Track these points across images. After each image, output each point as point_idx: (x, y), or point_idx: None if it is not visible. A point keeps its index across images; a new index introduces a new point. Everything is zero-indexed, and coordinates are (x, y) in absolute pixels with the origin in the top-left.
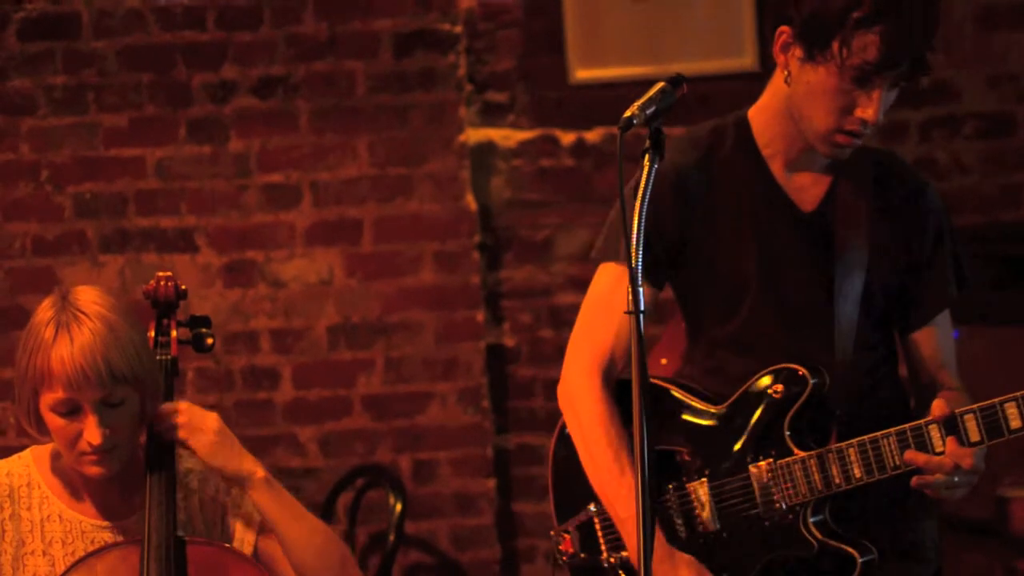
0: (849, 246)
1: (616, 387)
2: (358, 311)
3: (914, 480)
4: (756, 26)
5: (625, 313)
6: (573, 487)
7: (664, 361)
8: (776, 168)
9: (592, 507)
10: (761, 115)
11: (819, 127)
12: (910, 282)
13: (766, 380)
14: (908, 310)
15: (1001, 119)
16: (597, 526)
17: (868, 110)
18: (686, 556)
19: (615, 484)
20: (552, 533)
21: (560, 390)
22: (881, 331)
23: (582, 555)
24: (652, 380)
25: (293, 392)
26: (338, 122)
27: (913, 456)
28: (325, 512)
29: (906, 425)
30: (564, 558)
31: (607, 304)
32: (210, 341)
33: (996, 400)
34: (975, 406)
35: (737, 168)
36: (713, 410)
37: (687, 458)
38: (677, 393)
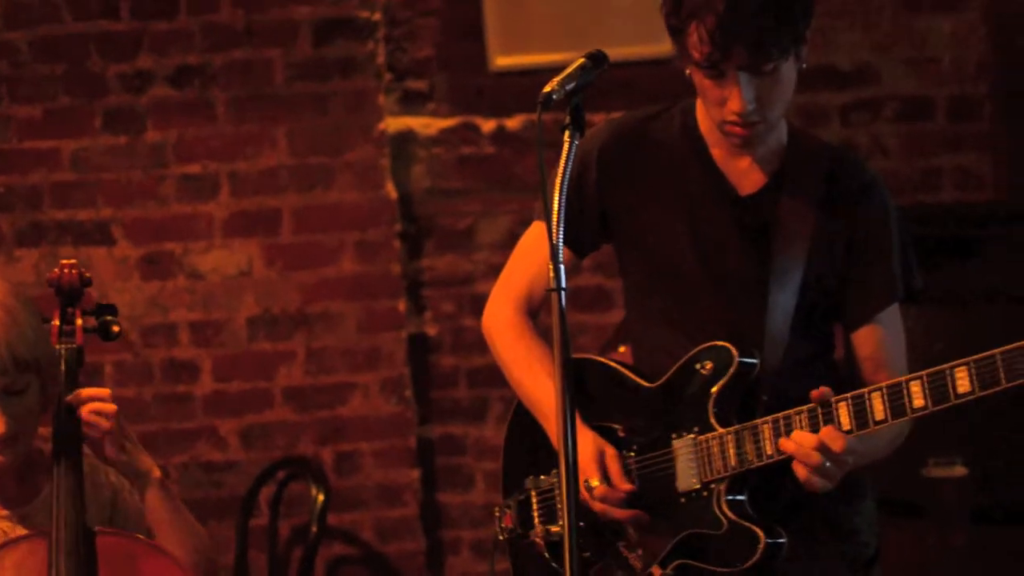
0: (790, 233)
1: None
2: (278, 302)
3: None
4: None
5: (547, 291)
6: (520, 463)
7: (622, 349)
8: (717, 153)
9: (528, 482)
10: (702, 102)
11: (712, 120)
12: (852, 278)
13: (697, 357)
14: (849, 306)
15: (921, 102)
16: (534, 502)
17: (732, 102)
18: (590, 434)
19: (538, 388)
20: (496, 509)
21: (482, 323)
22: (819, 321)
23: (519, 531)
24: (590, 357)
25: (213, 385)
26: (256, 111)
27: (785, 443)
28: (247, 506)
29: (816, 405)
30: (503, 536)
31: (528, 252)
32: (116, 329)
33: (865, 390)
34: (848, 395)
35: (677, 150)
36: (647, 386)
37: (622, 434)
38: (613, 371)
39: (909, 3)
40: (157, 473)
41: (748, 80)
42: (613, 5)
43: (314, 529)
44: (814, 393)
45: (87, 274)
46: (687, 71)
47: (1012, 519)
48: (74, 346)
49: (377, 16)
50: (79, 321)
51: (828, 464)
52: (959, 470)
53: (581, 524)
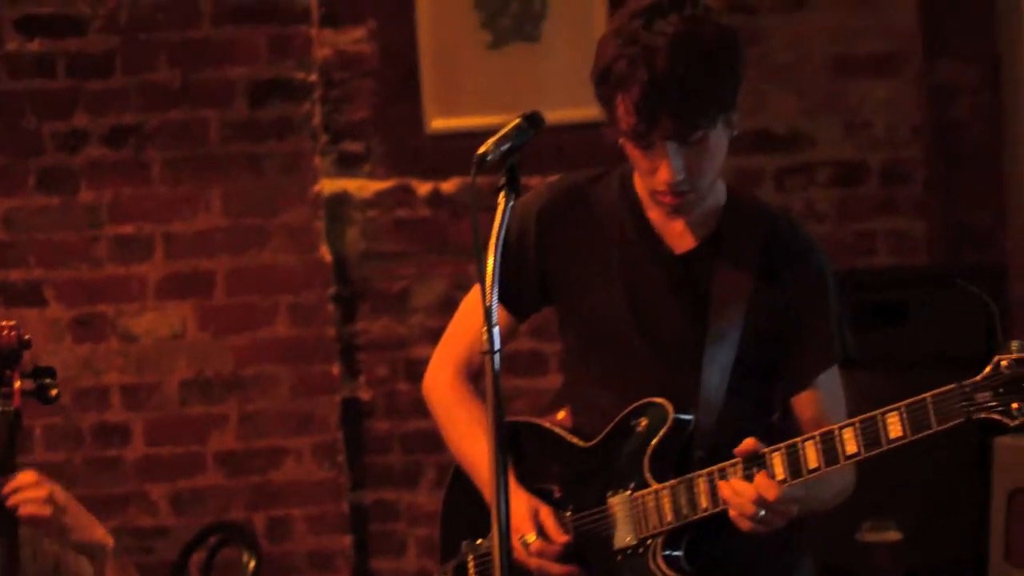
0: (726, 293)
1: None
2: (211, 365)
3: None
4: None
5: (481, 354)
6: (458, 527)
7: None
8: (654, 215)
9: (464, 547)
10: None
11: (645, 188)
12: (789, 341)
13: (632, 414)
14: (787, 369)
15: (855, 167)
16: (471, 566)
17: (661, 172)
18: (524, 493)
19: (477, 452)
20: (435, 574)
21: (423, 387)
22: (757, 382)
23: None
24: (527, 420)
25: (144, 449)
26: (191, 172)
27: (723, 487)
28: (177, 572)
29: (750, 455)
30: None
31: (468, 315)
32: (54, 392)
33: (798, 439)
34: (782, 444)
35: (616, 213)
36: (583, 445)
37: (558, 495)
38: (550, 432)
39: (843, 68)
40: (110, 543)
41: (676, 150)
42: (549, 69)
43: None
44: (737, 450)
45: (26, 336)
46: (619, 140)
47: None
48: (11, 409)
49: (313, 77)
50: (17, 384)
51: (764, 513)
52: (893, 534)
53: None
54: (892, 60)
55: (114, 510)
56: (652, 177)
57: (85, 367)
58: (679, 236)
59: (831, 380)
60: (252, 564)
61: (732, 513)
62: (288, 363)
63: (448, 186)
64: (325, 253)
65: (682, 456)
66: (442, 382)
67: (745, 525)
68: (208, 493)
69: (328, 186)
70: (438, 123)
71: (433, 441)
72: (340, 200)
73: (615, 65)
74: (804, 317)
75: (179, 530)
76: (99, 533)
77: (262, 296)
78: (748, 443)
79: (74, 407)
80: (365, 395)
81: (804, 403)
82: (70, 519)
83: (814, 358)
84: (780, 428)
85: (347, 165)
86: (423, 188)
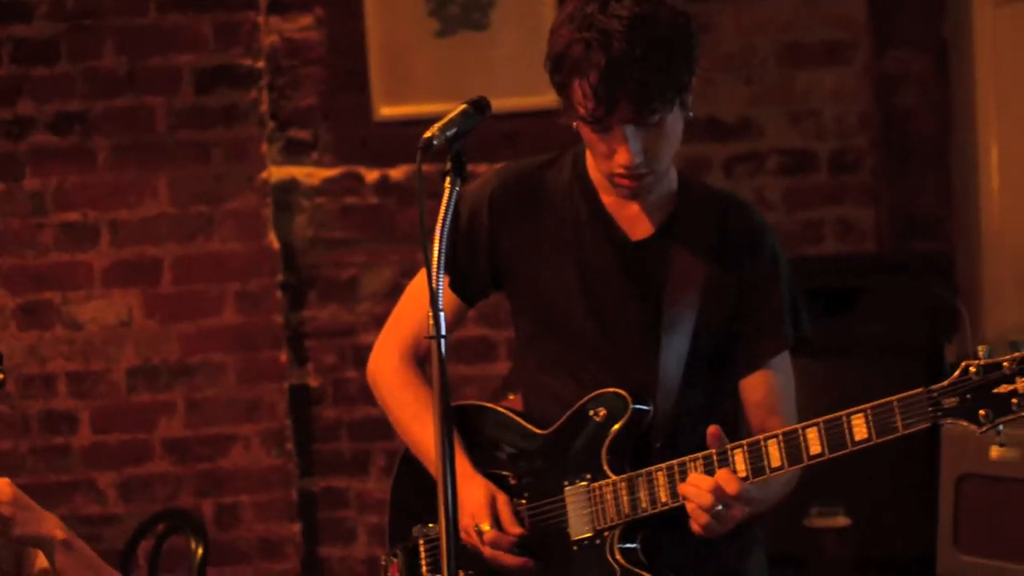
0: (681, 279)
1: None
2: (158, 353)
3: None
4: None
5: (427, 338)
6: (407, 511)
7: (512, 397)
8: (607, 199)
9: (415, 530)
10: None
11: (601, 172)
12: (742, 325)
13: (590, 403)
14: (739, 353)
15: (803, 155)
16: (422, 550)
17: (619, 154)
18: (482, 480)
19: (427, 435)
20: (382, 558)
21: (367, 371)
22: (712, 368)
23: None
24: (481, 404)
25: (92, 437)
26: (137, 159)
27: (683, 487)
28: (125, 560)
29: (712, 451)
30: None
31: (414, 299)
32: (0, 379)
33: (761, 437)
34: (744, 442)
35: (568, 197)
36: (539, 433)
37: (513, 482)
38: (505, 417)
39: (792, 57)
40: (60, 536)
41: (634, 133)
42: (497, 56)
43: None
44: (711, 429)
45: None
46: (574, 125)
47: (894, 569)
48: None
49: (261, 64)
50: None
51: (722, 508)
52: (841, 520)
53: (471, 572)
54: (841, 49)
55: (61, 498)
56: (610, 160)
57: (31, 355)
58: (633, 222)
59: (782, 364)
60: (200, 551)
61: (689, 507)
62: (236, 350)
63: (396, 173)
64: (273, 240)
65: (640, 447)
66: (388, 366)
67: (702, 519)
68: (156, 481)
69: (276, 173)
70: (386, 111)
71: (382, 428)
72: (288, 187)
73: (571, 50)
74: (757, 301)
75: (127, 518)
76: (47, 527)
77: (209, 284)
78: (714, 430)
79: (20, 395)
80: (313, 382)
81: (753, 385)
82: (15, 513)
83: (767, 341)
84: (735, 416)
85: (295, 152)
86: (371, 175)
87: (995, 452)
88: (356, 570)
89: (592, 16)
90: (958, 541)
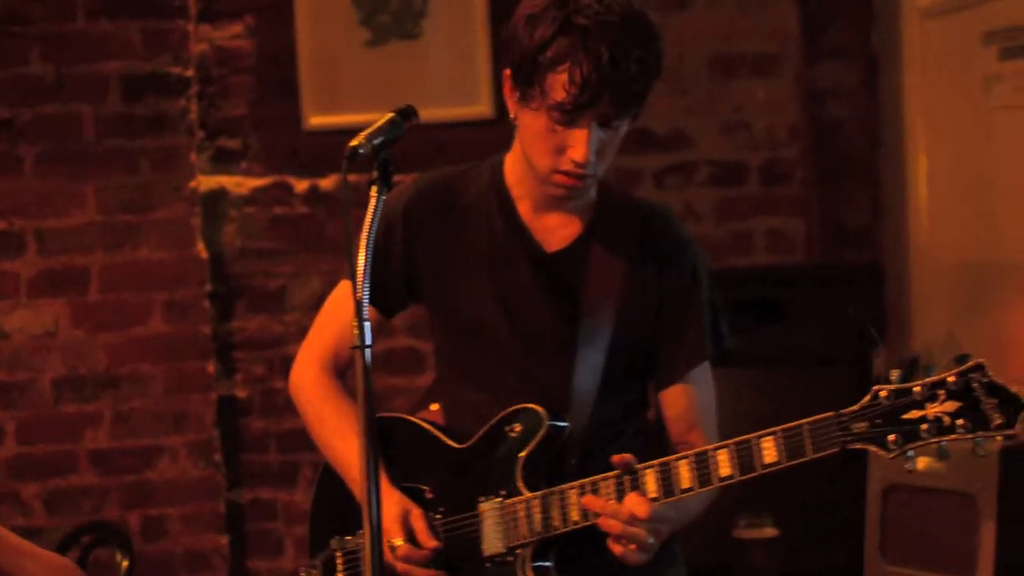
0: (598, 292)
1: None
2: (85, 363)
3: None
4: (492, 74)
5: (351, 348)
6: (326, 523)
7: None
8: (524, 209)
9: (333, 543)
10: (511, 156)
11: (539, 168)
12: (661, 337)
13: (507, 419)
14: (659, 366)
15: (734, 167)
16: (339, 563)
17: (577, 150)
18: (396, 494)
19: (346, 449)
20: (301, 570)
21: (289, 383)
22: (630, 382)
23: None
24: (399, 416)
25: (16, 448)
26: (65, 167)
27: (590, 501)
28: None
29: (621, 471)
30: None
31: (334, 311)
32: None
33: (672, 458)
34: (655, 462)
35: (484, 208)
36: (455, 447)
37: (429, 496)
38: (422, 430)
39: (723, 69)
40: None
41: (595, 131)
42: (427, 66)
43: None
44: (615, 458)
45: None
46: (513, 115)
47: None
48: None
49: (190, 72)
50: None
51: (634, 530)
52: (769, 531)
53: None
54: (772, 61)
55: None
56: (559, 156)
57: None
58: (551, 232)
59: (702, 377)
60: (126, 564)
61: (609, 540)
62: (163, 361)
63: (326, 183)
64: (201, 250)
65: (555, 464)
66: (309, 379)
67: (621, 551)
68: (82, 493)
69: (205, 182)
70: (316, 120)
71: (310, 440)
72: (217, 197)
73: (564, 35)
74: (677, 313)
75: (52, 530)
76: None
77: (137, 293)
78: (626, 456)
79: None
80: (241, 393)
81: (673, 398)
82: None
83: (685, 354)
84: (655, 429)
85: (224, 161)
86: (300, 185)
87: (921, 463)
88: None
89: (588, 5)
90: (884, 552)
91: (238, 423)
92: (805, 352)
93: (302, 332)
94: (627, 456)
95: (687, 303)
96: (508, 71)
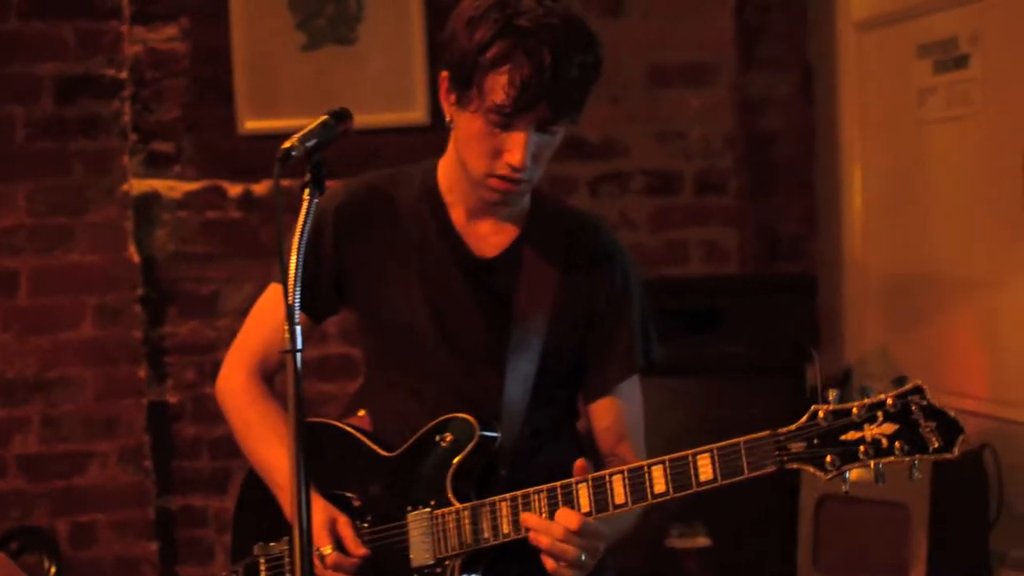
0: (529, 300)
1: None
2: (14, 367)
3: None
4: (428, 80)
5: (282, 353)
6: (250, 529)
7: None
8: (456, 215)
9: (256, 549)
10: (445, 161)
11: (474, 172)
12: (591, 348)
13: (437, 428)
14: (588, 377)
15: (669, 176)
16: (262, 567)
17: (513, 154)
18: (322, 502)
19: (272, 455)
20: (223, 575)
21: (215, 389)
22: (560, 391)
23: None
24: (326, 422)
25: None
26: None
27: (526, 517)
28: None
29: (557, 483)
30: None
31: (263, 315)
32: None
33: (606, 472)
34: (588, 476)
35: (416, 213)
36: (384, 455)
37: (357, 504)
38: (350, 437)
39: (658, 78)
40: None
41: (532, 135)
42: (363, 72)
43: None
44: (578, 463)
45: None
46: (449, 118)
47: None
48: None
49: (123, 75)
50: None
51: (564, 546)
52: (702, 540)
53: None
54: (706, 70)
55: None
56: (495, 160)
57: None
58: (483, 239)
59: (631, 388)
60: (53, 570)
61: (543, 556)
62: (93, 365)
63: (260, 188)
64: (133, 254)
65: (486, 474)
66: (235, 384)
67: (554, 567)
68: (9, 498)
69: (137, 186)
70: (251, 124)
71: None
72: (149, 200)
73: (505, 36)
74: (607, 324)
75: None
76: None
77: (68, 297)
78: (580, 464)
79: None
80: (172, 399)
81: (602, 411)
82: None
83: (615, 367)
84: (587, 437)
85: (157, 165)
86: (234, 190)
87: (853, 474)
88: None
89: (530, 9)
90: (817, 561)
91: (169, 429)
92: (739, 362)
93: (234, 338)
94: (581, 463)
95: (617, 314)
96: (445, 73)
